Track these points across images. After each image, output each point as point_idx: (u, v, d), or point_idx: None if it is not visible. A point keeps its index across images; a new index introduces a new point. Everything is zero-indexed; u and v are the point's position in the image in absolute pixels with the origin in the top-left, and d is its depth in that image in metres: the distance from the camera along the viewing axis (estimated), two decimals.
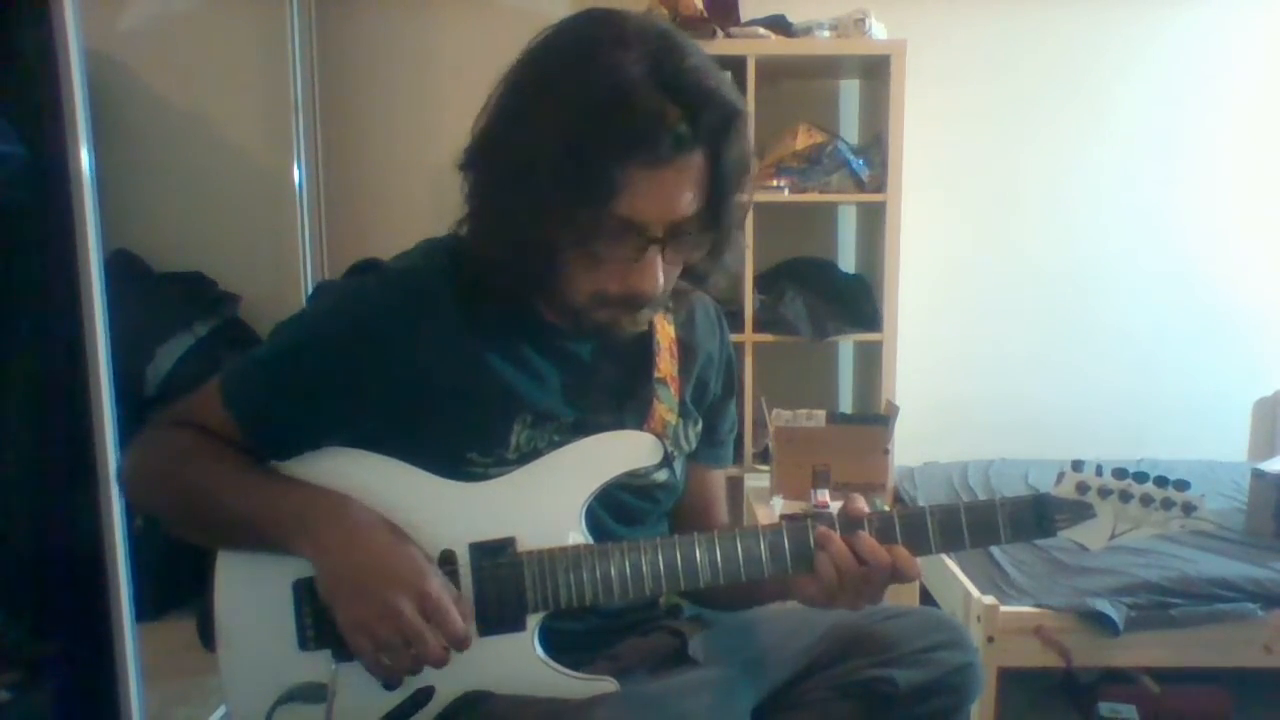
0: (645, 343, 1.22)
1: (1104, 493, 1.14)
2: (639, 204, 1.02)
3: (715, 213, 1.07)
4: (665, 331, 1.24)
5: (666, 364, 1.23)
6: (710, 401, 1.30)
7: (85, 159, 1.80)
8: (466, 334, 1.12)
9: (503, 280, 1.10)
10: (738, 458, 2.84)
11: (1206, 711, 2.27)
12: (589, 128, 0.99)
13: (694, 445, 1.28)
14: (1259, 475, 2.44)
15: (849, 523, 1.11)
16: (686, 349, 1.26)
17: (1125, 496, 1.13)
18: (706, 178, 1.04)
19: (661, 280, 1.07)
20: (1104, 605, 2.06)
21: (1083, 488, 1.15)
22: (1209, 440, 3.24)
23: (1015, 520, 1.14)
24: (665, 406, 1.22)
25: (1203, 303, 3.26)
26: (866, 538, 1.09)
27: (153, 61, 3.06)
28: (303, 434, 1.14)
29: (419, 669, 1.06)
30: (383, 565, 1.05)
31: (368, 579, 1.04)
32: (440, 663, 1.05)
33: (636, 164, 1.00)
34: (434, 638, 1.04)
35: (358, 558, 1.05)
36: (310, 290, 3.06)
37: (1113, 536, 1.14)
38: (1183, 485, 1.13)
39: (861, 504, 1.13)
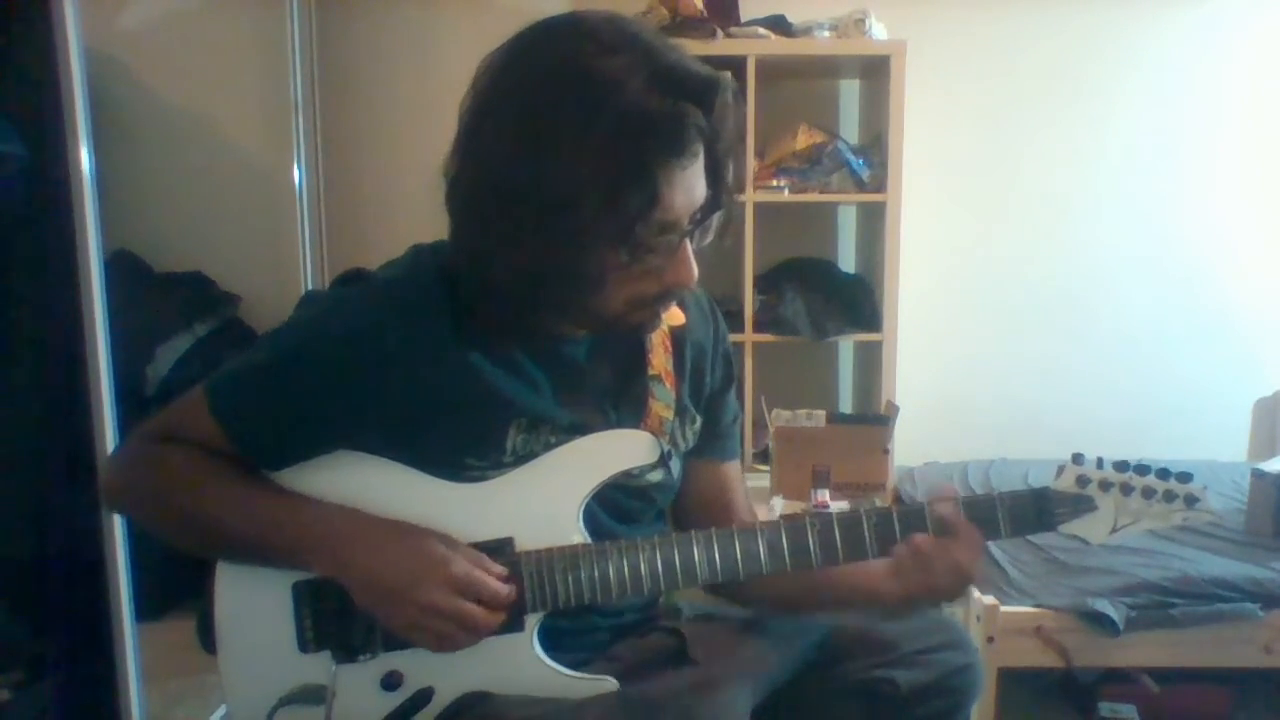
0: (637, 340, 1.21)
1: (1105, 486, 1.13)
2: (676, 203, 1.03)
3: (719, 187, 1.08)
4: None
5: (660, 360, 1.22)
6: (709, 395, 1.29)
7: (85, 159, 1.80)
8: (457, 342, 1.10)
9: (526, 308, 1.09)
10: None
11: (1206, 711, 2.27)
12: (625, 151, 0.98)
13: (691, 442, 1.27)
14: (1259, 475, 2.44)
15: (851, 521, 1.12)
16: (679, 342, 1.25)
17: (1126, 489, 1.13)
18: (708, 156, 1.05)
19: (695, 267, 1.08)
20: (1104, 605, 2.06)
21: (1083, 481, 1.14)
22: (1209, 440, 3.23)
23: (1015, 514, 1.14)
24: (661, 404, 1.21)
25: (1203, 303, 3.25)
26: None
27: (153, 61, 3.05)
28: (295, 445, 1.13)
29: (482, 637, 1.08)
30: (408, 568, 1.05)
31: (398, 584, 1.05)
32: (499, 622, 1.08)
33: (671, 169, 1.01)
34: (481, 610, 1.06)
35: (381, 567, 1.06)
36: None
37: (1114, 530, 1.14)
38: (1185, 478, 1.12)
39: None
